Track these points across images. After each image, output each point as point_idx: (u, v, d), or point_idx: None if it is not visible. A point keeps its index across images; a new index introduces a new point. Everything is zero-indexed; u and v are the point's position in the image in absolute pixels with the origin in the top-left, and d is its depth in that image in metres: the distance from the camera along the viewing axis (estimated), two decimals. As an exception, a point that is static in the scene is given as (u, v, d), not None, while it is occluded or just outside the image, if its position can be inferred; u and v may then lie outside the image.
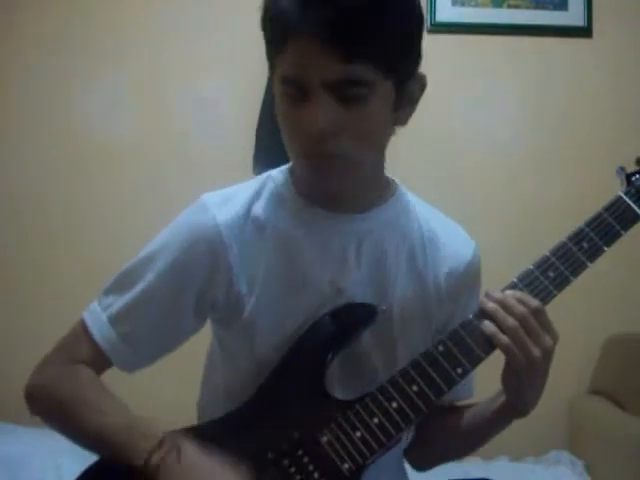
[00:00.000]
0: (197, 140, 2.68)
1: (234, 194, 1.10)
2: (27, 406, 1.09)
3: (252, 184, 1.12)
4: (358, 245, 1.09)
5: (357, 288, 1.09)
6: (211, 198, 1.09)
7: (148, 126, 2.68)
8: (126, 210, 2.63)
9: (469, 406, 1.17)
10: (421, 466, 1.23)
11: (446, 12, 2.67)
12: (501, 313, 1.00)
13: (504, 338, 0.99)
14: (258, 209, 1.08)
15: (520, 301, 1.00)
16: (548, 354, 0.99)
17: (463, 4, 2.67)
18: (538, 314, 0.99)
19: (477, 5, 2.68)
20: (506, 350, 0.99)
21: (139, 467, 0.96)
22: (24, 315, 2.62)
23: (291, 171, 1.12)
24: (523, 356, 0.98)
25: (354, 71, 0.94)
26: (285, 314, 1.07)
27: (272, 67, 1.00)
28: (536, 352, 0.98)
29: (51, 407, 1.07)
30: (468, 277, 1.17)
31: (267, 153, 1.18)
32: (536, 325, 0.99)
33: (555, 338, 1.00)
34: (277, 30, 0.96)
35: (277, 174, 1.13)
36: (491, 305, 1.01)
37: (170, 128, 2.68)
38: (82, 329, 1.09)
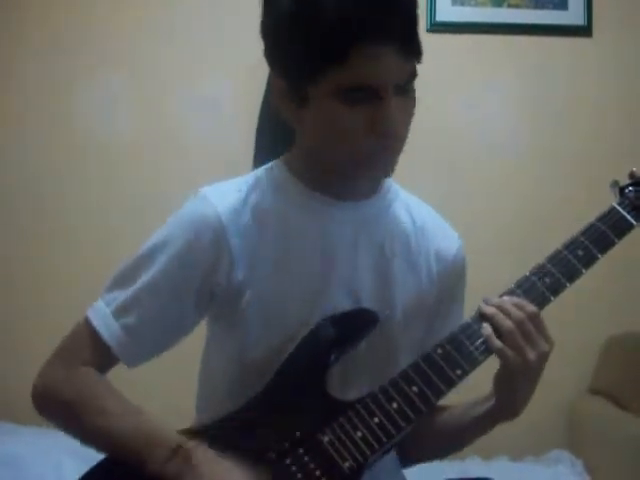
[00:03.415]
0: (197, 140, 2.68)
1: (232, 185, 1.13)
2: (35, 409, 1.09)
3: (250, 176, 1.15)
4: (355, 233, 1.12)
5: (352, 277, 1.11)
6: (210, 190, 1.12)
7: (148, 126, 2.68)
8: (126, 209, 2.63)
9: (454, 406, 1.18)
10: (402, 463, 1.24)
11: (446, 11, 2.67)
12: (499, 316, 1.02)
13: (497, 342, 1.01)
14: (256, 197, 1.11)
15: (517, 306, 1.03)
16: (543, 358, 1.02)
17: (463, 3, 2.67)
18: (534, 319, 1.02)
19: (477, 4, 2.68)
20: (500, 353, 1.01)
21: (154, 474, 0.97)
22: (24, 315, 2.62)
23: (288, 162, 1.15)
24: (518, 359, 1.00)
25: (411, 69, 1.01)
26: (278, 300, 1.09)
27: (315, 78, 0.98)
28: (531, 355, 1.00)
29: (59, 410, 1.07)
30: (455, 270, 1.20)
31: (267, 152, 1.19)
32: (532, 329, 1.01)
33: (550, 344, 1.03)
34: (337, 40, 0.95)
35: (274, 165, 1.16)
36: (489, 309, 1.04)
37: (170, 128, 2.68)
38: (86, 326, 1.09)
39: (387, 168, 1.07)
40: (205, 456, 0.98)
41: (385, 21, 0.95)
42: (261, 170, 1.16)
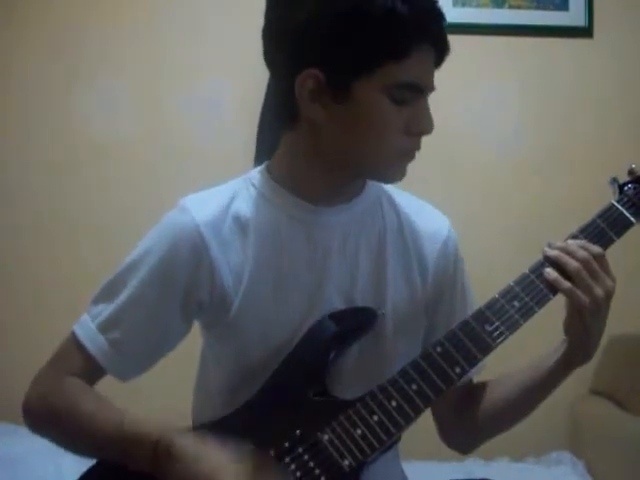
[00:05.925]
0: (197, 140, 2.67)
1: (213, 195, 1.13)
2: (25, 421, 1.09)
3: (230, 185, 1.15)
4: (344, 237, 1.12)
5: (344, 279, 1.11)
6: (190, 200, 1.11)
7: (148, 126, 2.68)
8: (126, 210, 2.63)
9: (512, 373, 1.18)
10: (469, 447, 1.25)
11: (447, 12, 2.58)
12: (565, 257, 1.05)
13: (566, 283, 1.03)
14: (238, 207, 1.11)
15: (582, 247, 1.05)
16: (609, 295, 1.05)
17: (464, 5, 2.67)
18: (599, 258, 1.05)
19: (478, 5, 2.67)
20: (570, 293, 1.03)
21: (142, 471, 0.98)
22: (23, 316, 2.62)
23: (270, 170, 1.14)
24: (587, 297, 1.02)
25: None
26: (271, 307, 1.09)
27: (368, 72, 1.00)
28: (599, 292, 1.03)
29: (47, 422, 1.08)
30: (447, 254, 1.19)
31: (268, 153, 1.18)
32: (598, 268, 1.04)
33: (614, 281, 1.06)
34: (401, 37, 0.99)
35: (255, 173, 1.15)
36: (553, 252, 1.06)
37: (170, 128, 2.68)
38: (73, 340, 1.10)
39: (405, 169, 1.09)
40: (185, 444, 0.97)
41: (438, 26, 1.03)
42: (242, 178, 1.15)
